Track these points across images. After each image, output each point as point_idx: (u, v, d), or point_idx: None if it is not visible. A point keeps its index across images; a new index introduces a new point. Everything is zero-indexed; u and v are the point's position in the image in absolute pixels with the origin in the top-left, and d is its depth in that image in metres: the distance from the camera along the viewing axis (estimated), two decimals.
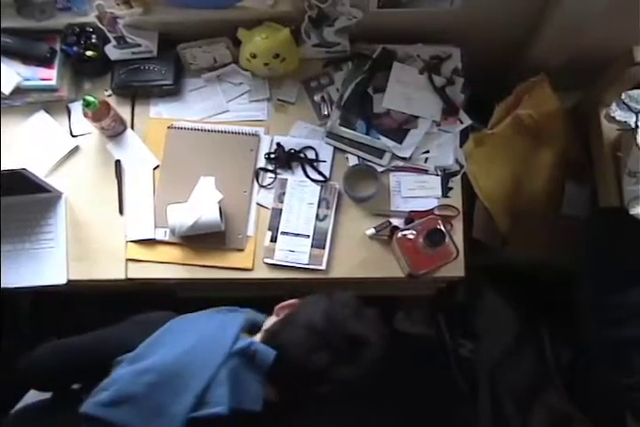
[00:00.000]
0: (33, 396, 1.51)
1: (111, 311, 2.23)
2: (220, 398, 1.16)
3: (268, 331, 1.28)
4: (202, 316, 1.36)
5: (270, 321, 1.31)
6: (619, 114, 1.65)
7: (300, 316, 1.24)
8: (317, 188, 1.70)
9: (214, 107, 1.78)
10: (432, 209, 1.68)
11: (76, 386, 1.46)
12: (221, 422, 1.16)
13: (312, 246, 1.66)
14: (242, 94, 1.79)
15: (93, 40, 1.70)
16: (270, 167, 1.73)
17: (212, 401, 1.17)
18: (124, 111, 1.77)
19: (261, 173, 1.73)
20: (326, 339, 1.19)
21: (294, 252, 1.66)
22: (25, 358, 1.41)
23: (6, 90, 1.69)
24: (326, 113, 1.75)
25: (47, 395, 1.46)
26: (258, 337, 1.28)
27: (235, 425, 1.19)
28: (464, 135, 1.74)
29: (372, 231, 1.64)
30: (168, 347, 1.24)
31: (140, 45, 1.70)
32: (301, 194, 1.70)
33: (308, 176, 1.71)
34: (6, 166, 1.55)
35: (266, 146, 1.74)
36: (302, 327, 1.21)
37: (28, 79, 1.70)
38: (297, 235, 1.67)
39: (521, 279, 2.23)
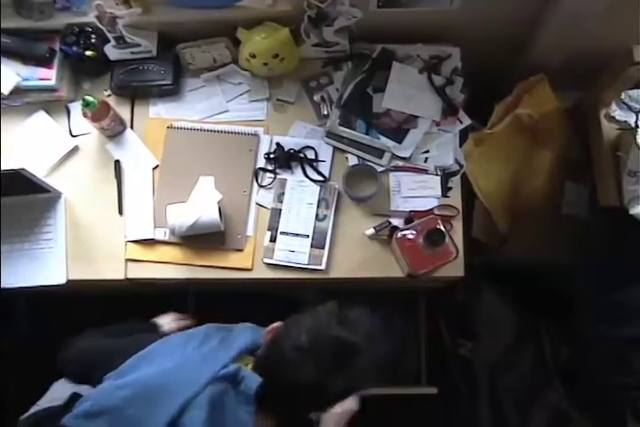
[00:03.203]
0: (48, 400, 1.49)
1: (111, 311, 2.25)
2: (195, 421, 1.12)
3: (256, 357, 1.24)
4: (199, 333, 1.30)
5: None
6: (618, 113, 1.66)
7: (285, 338, 1.17)
8: (317, 188, 1.70)
9: (214, 107, 1.77)
10: (432, 209, 1.68)
11: None
12: None
13: (311, 246, 1.66)
14: (241, 94, 1.79)
15: (93, 40, 1.69)
16: (270, 167, 1.73)
17: (186, 422, 1.12)
18: (124, 111, 1.77)
19: (261, 172, 1.73)
20: (313, 354, 1.12)
21: (294, 252, 1.66)
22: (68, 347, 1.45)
23: (5, 90, 1.68)
24: (326, 113, 1.75)
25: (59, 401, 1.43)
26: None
27: None
28: (464, 135, 1.74)
29: (371, 231, 1.64)
30: (155, 363, 1.21)
31: (139, 45, 1.70)
32: (301, 194, 1.69)
33: (307, 176, 1.71)
34: (5, 166, 1.54)
35: (265, 146, 1.74)
36: (288, 349, 1.14)
37: (27, 79, 1.70)
38: (296, 235, 1.66)
39: (520, 279, 2.23)
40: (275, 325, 1.24)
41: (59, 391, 1.47)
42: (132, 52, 1.73)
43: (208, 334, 1.29)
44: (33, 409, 1.43)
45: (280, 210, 1.69)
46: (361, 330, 1.15)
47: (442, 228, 1.53)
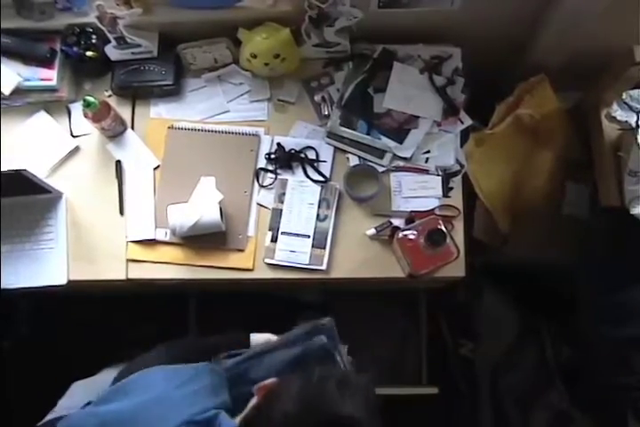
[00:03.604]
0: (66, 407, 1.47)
1: (111, 311, 2.25)
2: None
3: (243, 419, 1.10)
4: (188, 371, 1.19)
5: (251, 403, 1.12)
6: (619, 113, 1.66)
7: (275, 402, 1.05)
8: (318, 188, 1.70)
9: (215, 107, 1.77)
10: (433, 209, 1.68)
11: None
12: None
13: (312, 247, 1.66)
14: (242, 94, 1.79)
15: (93, 40, 1.69)
16: (271, 167, 1.73)
17: None
18: (125, 112, 1.77)
19: (262, 173, 1.72)
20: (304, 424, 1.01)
21: (295, 252, 1.66)
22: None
23: (6, 90, 1.68)
24: (327, 113, 1.75)
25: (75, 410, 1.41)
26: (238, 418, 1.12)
27: None
28: (465, 135, 1.74)
29: (372, 231, 1.64)
30: (131, 396, 1.13)
31: (140, 46, 1.70)
32: (302, 194, 1.69)
33: (308, 176, 1.71)
34: (6, 167, 1.54)
35: (266, 146, 1.74)
36: (276, 416, 1.02)
37: (28, 80, 1.70)
38: (297, 235, 1.66)
39: (521, 279, 2.23)
40: (267, 382, 1.11)
41: (77, 396, 1.45)
42: (132, 53, 1.72)
43: (199, 374, 1.19)
44: (49, 416, 1.40)
45: (281, 210, 1.69)
46: (359, 401, 1.05)
47: (443, 228, 1.53)
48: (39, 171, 1.67)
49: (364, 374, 1.15)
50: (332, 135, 1.73)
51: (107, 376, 1.32)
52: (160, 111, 1.78)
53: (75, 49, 1.69)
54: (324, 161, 1.73)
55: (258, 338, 1.41)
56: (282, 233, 1.67)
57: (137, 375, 1.17)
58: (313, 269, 1.66)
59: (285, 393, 1.06)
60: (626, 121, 1.65)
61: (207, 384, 1.16)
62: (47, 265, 1.66)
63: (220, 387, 1.18)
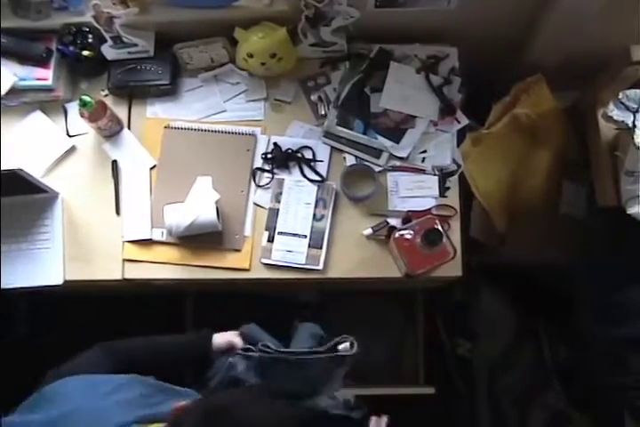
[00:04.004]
0: None
1: (108, 311, 2.25)
2: None
3: None
4: (118, 380, 1.12)
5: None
6: (616, 113, 1.66)
7: (182, 421, 1.00)
8: (314, 188, 1.69)
9: (211, 107, 1.77)
10: (429, 209, 1.67)
11: None
12: None
13: (309, 246, 1.65)
14: (239, 94, 1.78)
15: (90, 40, 1.69)
16: (267, 167, 1.73)
17: None
18: (121, 111, 1.76)
19: (258, 172, 1.72)
20: None
21: (291, 252, 1.66)
22: None
23: (2, 90, 1.68)
24: (323, 113, 1.75)
25: None
26: None
27: None
28: (461, 135, 1.73)
29: (369, 231, 1.64)
30: (57, 404, 1.06)
31: (136, 45, 1.70)
32: (298, 194, 1.69)
33: (305, 176, 1.71)
34: (2, 167, 1.54)
35: (263, 146, 1.74)
36: None
37: (23, 79, 1.70)
38: (294, 235, 1.66)
39: (518, 278, 2.23)
40: (181, 403, 1.07)
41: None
42: (129, 52, 1.72)
43: (131, 384, 1.13)
44: None
45: (278, 210, 1.68)
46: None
47: (439, 228, 1.53)
48: (35, 170, 1.67)
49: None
50: (328, 135, 1.73)
51: None
52: (156, 111, 1.78)
53: (71, 48, 1.68)
54: (321, 161, 1.72)
55: (219, 343, 1.41)
56: (278, 233, 1.67)
57: (60, 383, 1.09)
58: (309, 269, 1.65)
59: (193, 411, 1.02)
60: (622, 121, 1.64)
61: (138, 395, 1.10)
62: (43, 265, 1.66)
63: (153, 399, 1.11)
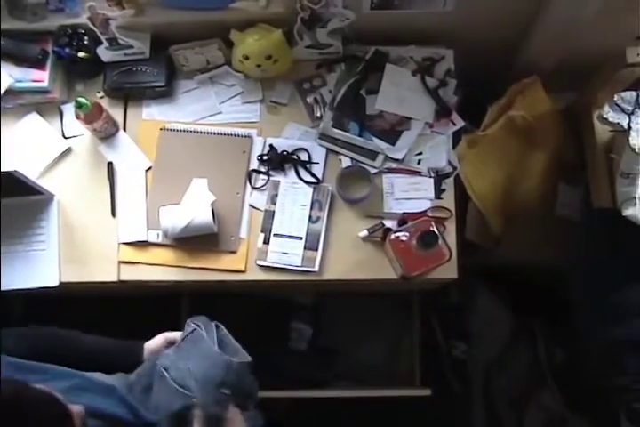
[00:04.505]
0: None
1: (104, 313, 2.24)
2: None
3: None
4: None
5: None
6: (611, 115, 1.66)
7: None
8: (310, 189, 1.69)
9: (207, 108, 1.77)
10: (425, 211, 1.68)
11: None
12: None
13: (305, 248, 1.65)
14: (234, 96, 1.78)
15: (85, 42, 1.69)
16: (263, 169, 1.73)
17: None
18: (117, 113, 1.76)
19: (254, 174, 1.72)
20: None
21: (287, 254, 1.65)
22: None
23: None
24: (319, 115, 1.75)
25: None
26: None
27: None
28: (457, 137, 1.74)
29: (364, 233, 1.64)
30: None
31: (132, 47, 1.70)
32: (294, 196, 1.69)
33: (300, 178, 1.71)
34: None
35: (258, 147, 1.74)
36: None
37: (19, 81, 1.70)
38: (290, 237, 1.66)
39: (514, 280, 2.23)
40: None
41: None
42: (124, 54, 1.72)
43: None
44: None
45: (273, 212, 1.68)
46: None
47: (435, 230, 1.53)
48: (31, 172, 1.67)
49: None
50: (324, 137, 1.73)
51: None
52: (152, 112, 1.78)
53: (67, 50, 1.68)
54: (317, 163, 1.72)
55: (153, 347, 1.41)
56: (274, 235, 1.67)
57: None
58: (305, 271, 1.65)
59: None
60: (618, 123, 1.65)
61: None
62: (39, 267, 1.66)
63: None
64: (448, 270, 1.62)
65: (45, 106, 1.77)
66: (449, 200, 1.70)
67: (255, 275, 1.67)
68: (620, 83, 1.71)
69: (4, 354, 1.17)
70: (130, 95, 1.78)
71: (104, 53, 1.71)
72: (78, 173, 1.74)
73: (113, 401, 1.21)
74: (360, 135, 1.71)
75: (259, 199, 1.70)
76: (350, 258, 1.67)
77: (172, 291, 2.05)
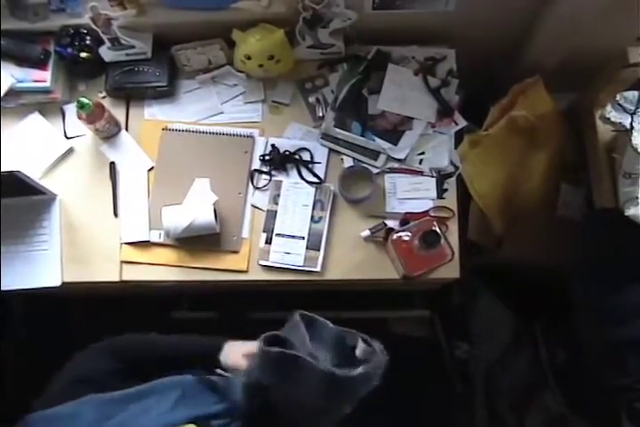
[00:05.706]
0: None
1: (106, 313, 2.25)
2: None
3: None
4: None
5: None
6: (613, 115, 1.66)
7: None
8: (312, 189, 1.69)
9: (209, 108, 1.77)
10: (427, 211, 1.68)
11: None
12: None
13: (307, 248, 1.65)
14: (236, 96, 1.78)
15: (87, 42, 1.69)
16: (265, 169, 1.73)
17: None
18: (119, 113, 1.76)
19: (256, 174, 1.72)
20: None
21: (289, 254, 1.65)
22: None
23: (0, 92, 1.68)
24: (321, 114, 1.75)
25: None
26: None
27: None
28: (459, 137, 1.74)
29: (367, 233, 1.64)
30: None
31: (134, 47, 1.70)
32: (296, 196, 1.69)
33: (302, 178, 1.71)
34: (0, 168, 1.54)
35: (260, 147, 1.74)
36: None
37: (21, 81, 1.70)
38: (292, 237, 1.66)
39: (516, 280, 2.23)
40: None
41: None
42: (126, 54, 1.72)
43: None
44: None
45: (275, 212, 1.68)
46: None
47: (437, 229, 1.53)
48: (33, 172, 1.67)
49: None
50: (326, 137, 1.73)
51: None
52: (154, 112, 1.78)
53: (69, 50, 1.68)
54: (319, 162, 1.72)
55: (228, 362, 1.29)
56: (276, 235, 1.67)
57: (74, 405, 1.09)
58: (307, 271, 1.65)
59: None
60: (620, 122, 1.65)
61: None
62: (41, 267, 1.66)
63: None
64: (450, 270, 1.62)
65: (47, 106, 1.77)
66: (451, 200, 1.70)
67: (257, 275, 1.67)
68: (622, 83, 1.71)
69: (102, 374, 1.17)
70: (132, 95, 1.78)
71: (106, 53, 1.71)
72: (80, 173, 1.74)
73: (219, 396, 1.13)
74: (362, 135, 1.71)
75: (261, 199, 1.70)
76: (352, 258, 1.67)
77: (174, 291, 2.05)
